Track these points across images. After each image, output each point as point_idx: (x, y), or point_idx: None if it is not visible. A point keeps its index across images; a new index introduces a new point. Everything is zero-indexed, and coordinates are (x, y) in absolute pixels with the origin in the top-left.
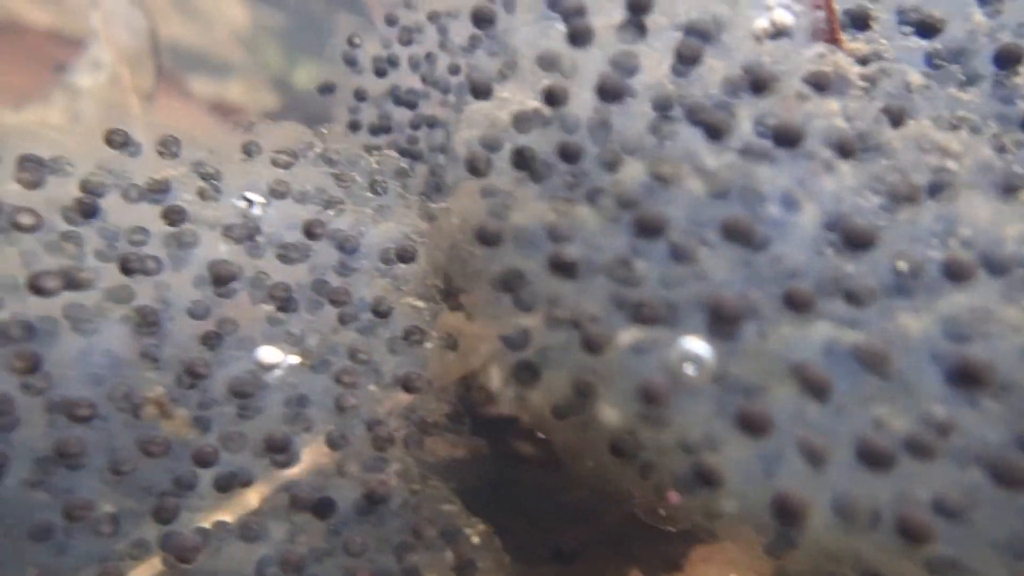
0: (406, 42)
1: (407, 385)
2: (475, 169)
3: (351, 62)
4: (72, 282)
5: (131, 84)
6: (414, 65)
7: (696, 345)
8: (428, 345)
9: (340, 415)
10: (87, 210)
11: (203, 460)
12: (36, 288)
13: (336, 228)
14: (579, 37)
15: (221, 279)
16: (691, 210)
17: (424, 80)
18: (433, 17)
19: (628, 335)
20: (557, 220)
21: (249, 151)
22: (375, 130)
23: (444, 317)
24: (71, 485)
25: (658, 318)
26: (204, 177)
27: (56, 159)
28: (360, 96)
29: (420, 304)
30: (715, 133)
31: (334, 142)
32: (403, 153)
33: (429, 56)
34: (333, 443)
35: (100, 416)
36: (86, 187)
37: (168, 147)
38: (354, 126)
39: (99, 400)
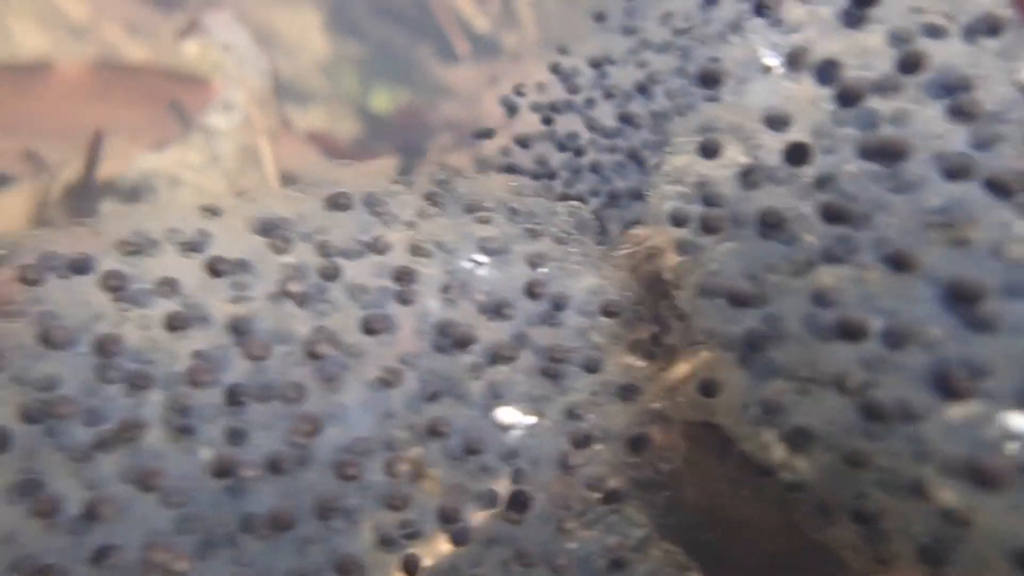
0: (571, 90)
1: (634, 444)
2: (710, 228)
3: (512, 108)
4: (335, 345)
5: (261, 124)
6: (575, 110)
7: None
8: (644, 400)
9: (563, 472)
10: (330, 274)
11: (448, 518)
12: (314, 355)
13: (549, 285)
14: (849, 98)
15: (462, 342)
16: (1000, 275)
17: (588, 126)
18: (594, 63)
19: (943, 409)
20: (833, 283)
21: (437, 203)
22: (536, 175)
23: (639, 366)
24: (328, 537)
25: (967, 390)
26: (417, 233)
27: (285, 220)
28: (522, 142)
29: (629, 359)
30: (1005, 192)
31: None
32: (564, 199)
33: (590, 101)
34: (558, 502)
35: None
36: (324, 251)
37: (375, 206)
38: (510, 169)
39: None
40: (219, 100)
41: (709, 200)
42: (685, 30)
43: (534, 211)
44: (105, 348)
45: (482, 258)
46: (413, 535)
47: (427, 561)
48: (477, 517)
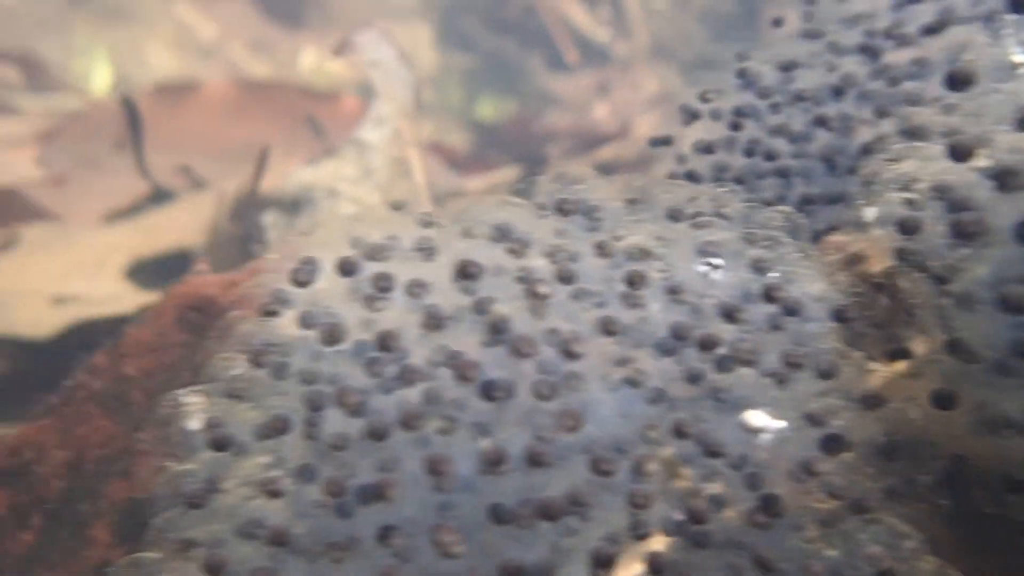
0: (760, 94)
1: (888, 454)
2: (965, 234)
3: (693, 115)
4: (583, 345)
5: (409, 137)
6: (760, 114)
7: None
8: (894, 406)
9: (808, 478)
10: (566, 277)
11: (698, 518)
12: (569, 353)
13: (783, 289)
14: None
15: (704, 344)
16: None
17: (774, 131)
18: (783, 66)
19: None
20: None
21: (642, 208)
22: (718, 182)
23: (878, 371)
24: (572, 531)
25: None
26: (638, 238)
27: (513, 226)
28: (705, 148)
29: (866, 364)
30: None
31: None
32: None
33: (775, 106)
34: (804, 508)
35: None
36: (555, 255)
37: (592, 212)
38: (689, 176)
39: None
40: (371, 115)
41: (958, 205)
42: (879, 32)
43: (745, 216)
44: (385, 344)
45: (716, 261)
46: (643, 535)
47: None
48: (717, 520)
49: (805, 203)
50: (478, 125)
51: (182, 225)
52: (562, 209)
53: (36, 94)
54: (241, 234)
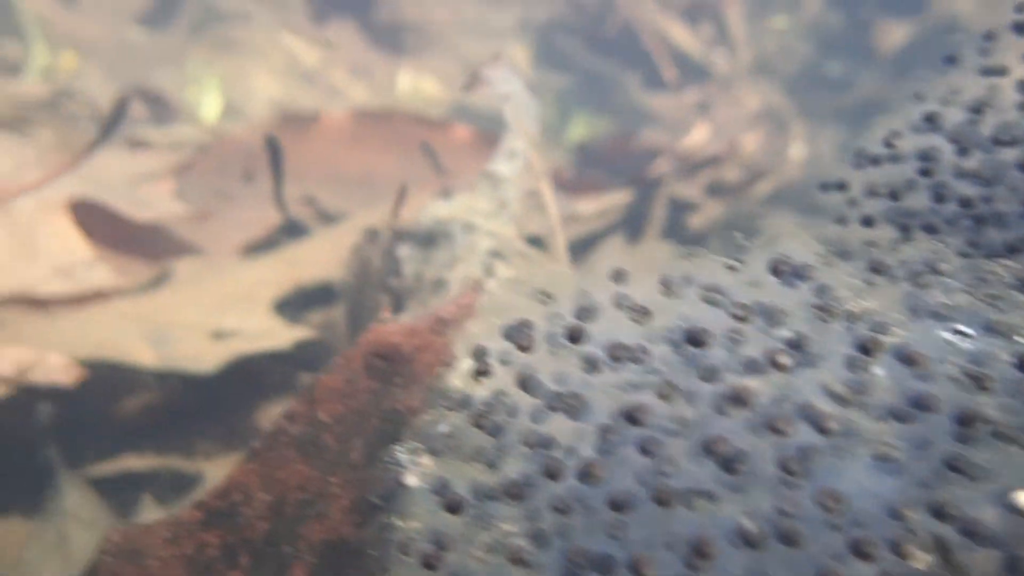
0: (949, 138)
1: None
2: None
3: (874, 161)
4: (836, 420)
5: (541, 169)
6: (944, 158)
7: None
8: None
9: None
10: (795, 343)
11: None
12: (821, 429)
13: None
14: None
15: (968, 420)
16: None
17: (965, 175)
18: (974, 108)
19: None
20: None
21: (839, 260)
22: (903, 227)
23: None
24: None
25: None
26: (862, 301)
27: (724, 287)
28: (888, 193)
29: None
30: None
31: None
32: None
33: (965, 150)
34: None
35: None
36: (776, 319)
37: (803, 270)
38: (866, 222)
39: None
40: (503, 148)
41: None
42: None
43: (962, 270)
44: (632, 416)
45: (963, 328)
46: None
47: None
48: None
49: (1009, 251)
50: (574, 144)
51: (323, 258)
52: (777, 271)
53: (158, 126)
54: (384, 268)
